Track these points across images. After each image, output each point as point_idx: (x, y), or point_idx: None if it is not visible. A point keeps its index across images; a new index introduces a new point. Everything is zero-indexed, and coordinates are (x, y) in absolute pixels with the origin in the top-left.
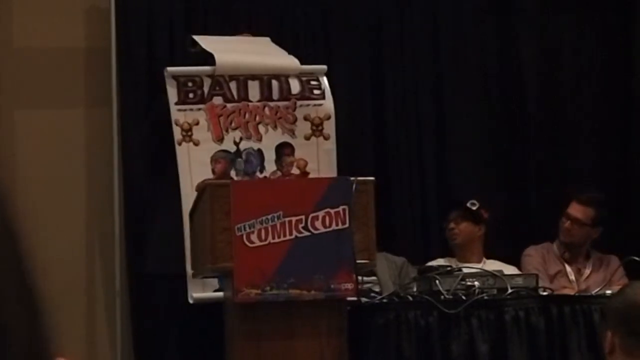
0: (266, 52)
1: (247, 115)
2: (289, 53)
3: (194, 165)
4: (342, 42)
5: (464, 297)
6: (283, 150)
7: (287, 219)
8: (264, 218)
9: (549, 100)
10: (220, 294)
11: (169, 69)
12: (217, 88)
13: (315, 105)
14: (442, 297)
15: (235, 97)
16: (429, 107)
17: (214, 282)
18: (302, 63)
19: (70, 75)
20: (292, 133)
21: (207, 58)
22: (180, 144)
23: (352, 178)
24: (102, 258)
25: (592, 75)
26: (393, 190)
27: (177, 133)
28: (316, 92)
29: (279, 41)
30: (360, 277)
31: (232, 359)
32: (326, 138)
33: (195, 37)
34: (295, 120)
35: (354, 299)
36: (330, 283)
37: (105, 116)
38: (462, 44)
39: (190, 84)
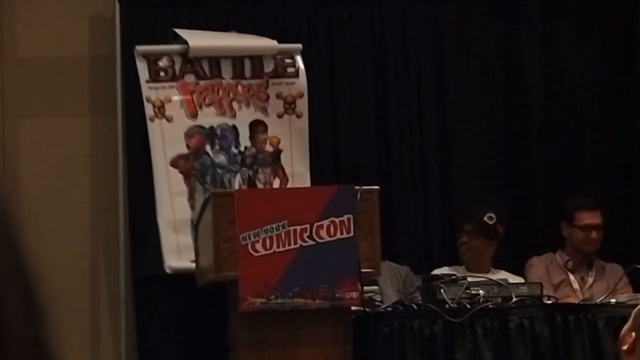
0: (244, 38)
1: (220, 92)
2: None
3: (168, 141)
4: (345, 48)
5: (468, 306)
6: (256, 128)
7: (292, 228)
8: (268, 227)
9: (552, 106)
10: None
11: (139, 47)
12: (189, 66)
13: (288, 83)
14: (447, 305)
15: (208, 74)
16: (432, 114)
17: (191, 252)
18: (305, 68)
19: (75, 84)
20: (264, 111)
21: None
22: (152, 120)
23: (356, 187)
24: (106, 264)
25: (596, 81)
26: (396, 199)
27: (149, 110)
28: (290, 70)
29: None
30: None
31: None
32: (299, 116)
33: (177, 30)
34: (268, 98)
35: (359, 307)
36: (335, 292)
37: (110, 124)
38: (465, 50)
39: (160, 63)
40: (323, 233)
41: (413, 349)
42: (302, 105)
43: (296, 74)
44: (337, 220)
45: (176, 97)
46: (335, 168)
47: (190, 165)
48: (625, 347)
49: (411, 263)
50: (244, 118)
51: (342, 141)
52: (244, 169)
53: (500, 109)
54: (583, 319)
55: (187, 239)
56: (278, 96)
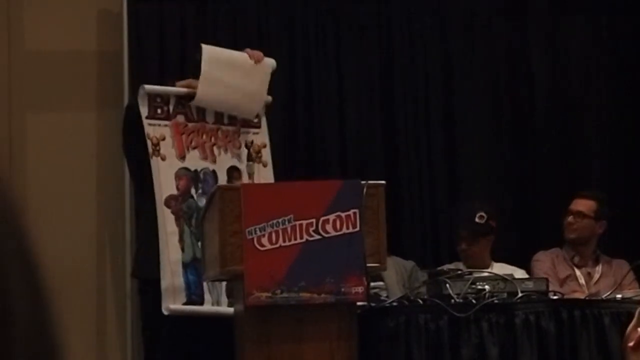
0: (250, 90)
1: (204, 136)
2: (299, 54)
3: (163, 179)
4: (352, 47)
5: (474, 301)
6: (233, 174)
7: (297, 223)
8: (274, 221)
9: (558, 104)
10: (194, 307)
11: (147, 87)
12: (180, 107)
13: (254, 133)
14: (453, 300)
15: (195, 117)
16: (438, 111)
17: (183, 294)
18: (312, 63)
19: (82, 78)
20: (239, 157)
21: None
22: (151, 157)
23: (362, 182)
24: (112, 258)
25: (602, 79)
26: (402, 194)
27: (150, 146)
28: (254, 120)
29: (288, 43)
30: None
31: None
32: (264, 165)
33: (205, 47)
34: (240, 145)
35: (364, 302)
36: (341, 286)
37: (117, 119)
38: (472, 46)
39: (158, 100)
40: (329, 227)
41: (418, 344)
42: (267, 154)
43: (259, 124)
44: (343, 214)
45: (169, 137)
46: (341, 163)
47: (179, 207)
48: (631, 344)
49: (417, 258)
50: (222, 164)
51: (349, 136)
52: None
53: (506, 104)
54: (589, 315)
55: (179, 280)
56: (246, 144)
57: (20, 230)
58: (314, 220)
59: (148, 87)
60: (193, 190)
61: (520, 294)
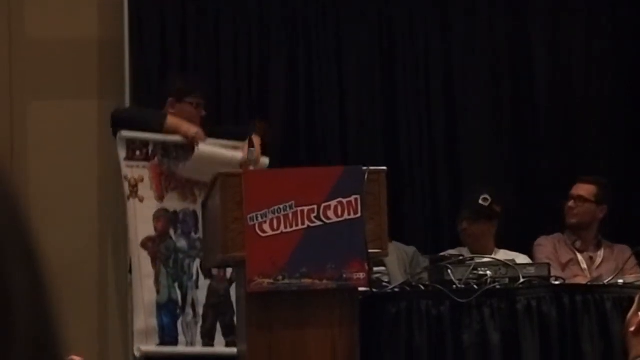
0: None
1: (184, 178)
2: (301, 45)
3: (139, 222)
4: (353, 36)
5: (476, 287)
6: None
7: (299, 209)
8: (276, 208)
9: (560, 91)
10: (166, 348)
11: (124, 133)
12: (160, 148)
13: None
14: (454, 286)
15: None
16: (439, 97)
17: (156, 335)
18: (312, 53)
19: (83, 67)
20: None
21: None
22: (128, 199)
23: (364, 168)
24: (113, 247)
25: (603, 67)
26: (404, 180)
27: (126, 188)
28: None
29: (290, 33)
30: None
31: (244, 348)
32: None
33: (198, 149)
34: None
35: (366, 288)
36: (343, 272)
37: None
38: (473, 35)
39: (137, 142)
40: (330, 214)
41: (420, 330)
42: None
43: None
44: (344, 200)
45: (147, 178)
46: (342, 149)
47: (157, 249)
48: (632, 329)
49: (418, 244)
50: None
51: (350, 123)
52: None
53: (508, 91)
54: (591, 300)
55: (153, 322)
56: None
57: (22, 219)
58: (315, 207)
59: (126, 133)
60: (172, 231)
61: (522, 280)
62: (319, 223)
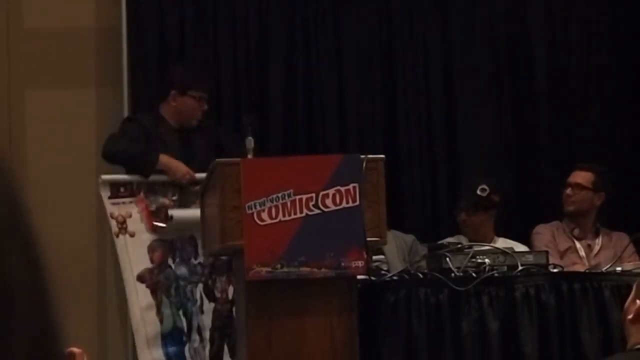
0: None
1: None
2: (300, 37)
3: (133, 256)
4: (353, 36)
5: (474, 275)
6: None
7: (297, 197)
8: (274, 196)
9: (559, 77)
10: None
11: (104, 177)
12: (144, 184)
13: None
14: (453, 274)
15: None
16: (438, 84)
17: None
18: (310, 44)
19: (81, 55)
20: None
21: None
22: (117, 236)
23: (362, 156)
24: (113, 242)
25: (603, 67)
26: (402, 168)
27: (114, 226)
28: None
29: (289, 25)
30: None
31: (242, 337)
32: None
33: (174, 216)
34: None
35: (365, 276)
36: (341, 261)
37: (116, 96)
38: (472, 35)
39: (120, 181)
40: (329, 202)
41: (419, 318)
42: None
43: None
44: (342, 189)
45: (136, 212)
46: (341, 148)
47: (156, 279)
48: (630, 316)
49: (416, 232)
50: None
51: (349, 110)
52: (204, 278)
53: (506, 78)
54: (589, 288)
55: (159, 353)
56: None
57: (22, 210)
58: (313, 195)
59: (107, 177)
60: (170, 260)
61: (520, 267)
62: (317, 211)
